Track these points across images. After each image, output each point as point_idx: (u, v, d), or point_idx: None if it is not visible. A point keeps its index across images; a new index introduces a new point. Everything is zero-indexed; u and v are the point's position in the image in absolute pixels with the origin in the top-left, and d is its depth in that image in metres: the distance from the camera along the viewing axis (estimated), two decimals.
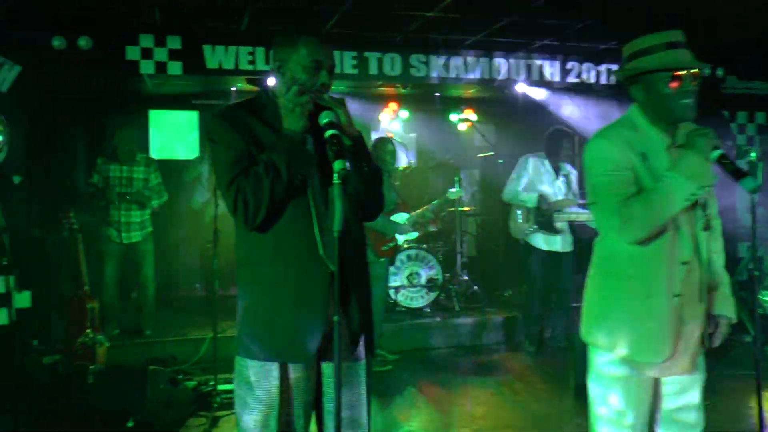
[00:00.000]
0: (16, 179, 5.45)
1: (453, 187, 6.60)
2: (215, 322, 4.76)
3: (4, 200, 3.45)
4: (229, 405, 4.51)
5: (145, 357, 5.36)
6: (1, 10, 5.39)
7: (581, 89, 7.22)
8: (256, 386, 2.22)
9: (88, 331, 4.96)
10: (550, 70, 7.02)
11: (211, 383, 4.70)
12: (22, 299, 5.67)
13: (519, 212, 6.07)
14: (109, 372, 4.25)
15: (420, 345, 6.34)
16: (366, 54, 6.51)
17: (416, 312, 6.87)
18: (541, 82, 7.07)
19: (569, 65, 7.06)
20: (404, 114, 8.29)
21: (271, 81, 6.19)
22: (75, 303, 5.23)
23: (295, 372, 2.21)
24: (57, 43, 5.67)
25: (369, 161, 2.33)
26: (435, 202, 6.34)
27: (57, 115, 6.36)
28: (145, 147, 7.81)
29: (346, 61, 6.43)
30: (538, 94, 7.31)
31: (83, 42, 5.69)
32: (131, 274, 6.31)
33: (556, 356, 5.83)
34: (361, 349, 2.35)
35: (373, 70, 6.56)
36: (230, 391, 4.58)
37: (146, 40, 6.05)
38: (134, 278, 6.33)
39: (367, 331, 2.34)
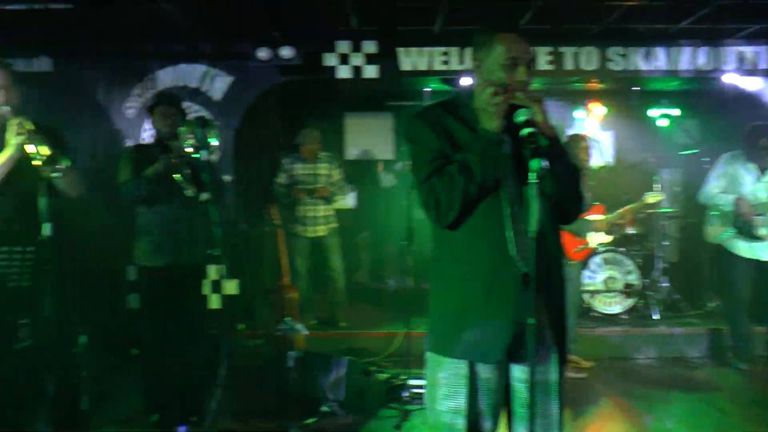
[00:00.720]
0: (226, 178, 5.96)
1: (652, 188, 6.20)
2: (408, 318, 4.86)
3: (217, 198, 3.79)
4: (419, 400, 4.58)
5: (339, 347, 5.64)
6: (212, 28, 5.94)
7: None
8: (445, 383, 2.22)
9: (288, 319, 5.29)
10: (767, 57, 6.35)
11: (403, 377, 4.80)
12: (231, 287, 6.17)
13: (715, 215, 5.57)
14: (307, 358, 4.48)
15: (616, 354, 6.00)
16: (561, 49, 6.31)
17: (612, 318, 6.53)
18: (754, 72, 6.42)
19: None
20: (600, 110, 7.92)
21: (465, 81, 6.30)
22: (277, 292, 5.62)
23: (484, 372, 2.19)
24: (263, 54, 6.13)
25: (568, 161, 2.24)
26: (631, 205, 5.99)
27: (262, 120, 6.85)
28: (340, 149, 8.18)
29: (540, 58, 6.27)
30: (751, 85, 6.64)
31: (285, 52, 6.10)
32: (321, 267, 6.63)
33: None
34: (554, 354, 2.26)
35: (568, 65, 6.35)
36: (421, 387, 4.70)
37: (343, 47, 6.35)
38: (324, 271, 6.63)
39: (560, 336, 2.25)
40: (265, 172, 6.82)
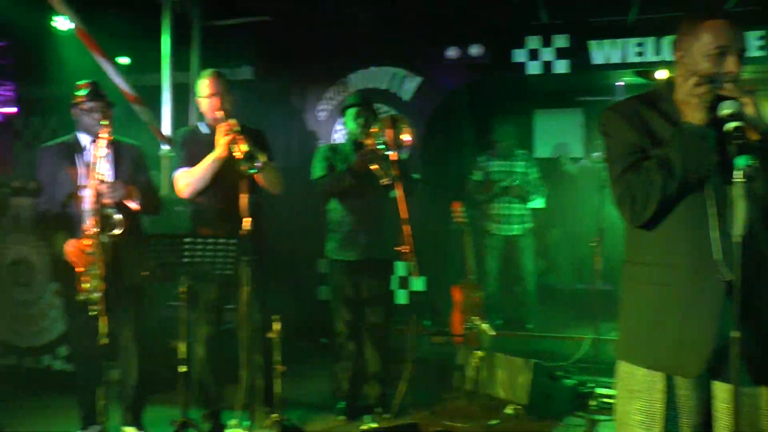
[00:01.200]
0: (415, 176, 6.07)
1: None
2: (596, 323, 4.65)
3: (407, 195, 3.89)
4: (608, 410, 4.36)
5: (525, 349, 5.52)
6: (401, 31, 6.09)
7: None
8: (638, 396, 2.07)
9: (473, 318, 5.27)
10: None
11: (590, 385, 4.60)
12: (418, 283, 6.31)
13: None
14: (492, 359, 4.44)
15: None
16: None
17: None
18: None
19: None
20: None
21: (661, 73, 5.91)
22: (462, 291, 5.63)
23: (683, 388, 2.00)
24: (451, 53, 6.17)
25: None
26: None
27: (450, 119, 6.90)
28: (529, 147, 8.03)
29: (750, 43, 5.70)
30: None
31: (474, 50, 6.10)
32: (511, 267, 6.53)
33: None
34: (764, 374, 2.02)
35: None
36: (610, 396, 4.48)
37: (533, 42, 6.22)
38: (514, 272, 6.52)
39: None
40: (452, 170, 6.87)
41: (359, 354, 4.27)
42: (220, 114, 3.66)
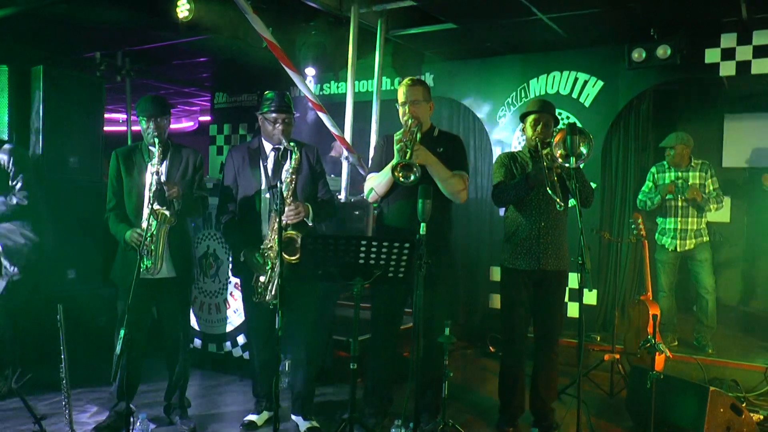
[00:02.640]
0: (593, 185, 5.87)
1: None
2: None
3: (584, 205, 3.78)
4: None
5: (705, 375, 5.14)
6: (585, 34, 5.90)
7: None
8: None
9: (649, 336, 5.00)
10: None
11: None
12: (590, 296, 6.11)
13: None
14: (668, 381, 4.17)
15: None
16: None
17: None
18: None
19: None
20: None
21: None
22: (638, 306, 5.36)
23: None
24: (636, 55, 5.90)
25: None
26: None
27: (632, 125, 6.58)
28: (719, 155, 7.47)
29: None
30: None
31: (661, 51, 5.78)
32: (688, 284, 6.10)
33: None
34: None
35: None
36: None
37: (728, 40, 5.79)
38: (692, 289, 6.10)
39: None
40: (632, 179, 6.56)
41: (528, 366, 4.20)
42: (411, 122, 3.78)
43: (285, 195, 3.65)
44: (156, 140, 3.81)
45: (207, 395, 4.77)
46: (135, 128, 7.65)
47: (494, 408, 4.37)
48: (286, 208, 3.65)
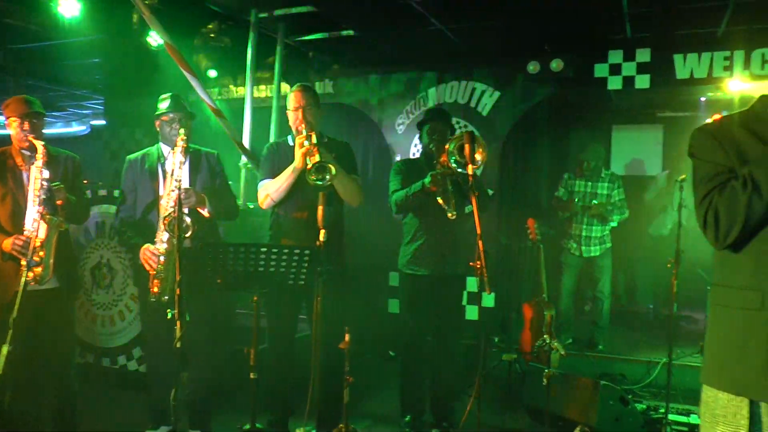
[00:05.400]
0: (490, 192, 6.06)
1: None
2: (670, 347, 4.52)
3: (481, 210, 3.87)
4: None
5: (596, 370, 5.42)
6: (482, 45, 6.09)
7: None
8: (722, 421, 2.03)
9: (544, 336, 5.20)
10: None
11: (662, 411, 4.48)
12: (488, 299, 6.28)
13: None
14: (562, 378, 4.37)
15: None
16: None
17: None
18: None
19: None
20: None
21: (737, 84, 5.69)
22: (534, 308, 5.56)
23: (767, 414, 1.96)
24: (531, 67, 6.14)
25: None
26: None
27: (528, 134, 6.85)
28: (606, 163, 7.87)
29: None
30: None
31: (555, 64, 6.05)
32: (587, 287, 6.40)
33: None
34: None
35: None
36: (683, 424, 4.34)
37: (615, 56, 6.13)
38: (589, 292, 6.39)
39: None
40: (528, 186, 6.81)
41: (427, 368, 4.28)
42: (302, 126, 3.76)
43: (178, 184, 3.54)
44: (38, 143, 3.60)
45: (101, 412, 4.57)
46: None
47: (396, 412, 4.42)
48: (180, 194, 3.54)
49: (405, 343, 4.31)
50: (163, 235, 3.66)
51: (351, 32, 5.89)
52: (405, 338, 4.28)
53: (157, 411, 4.04)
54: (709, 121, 2.18)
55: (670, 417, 4.38)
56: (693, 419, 4.37)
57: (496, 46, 6.22)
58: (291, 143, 3.93)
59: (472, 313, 6.14)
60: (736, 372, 2.01)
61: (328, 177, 3.54)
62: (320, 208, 3.38)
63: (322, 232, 3.33)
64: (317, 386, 3.40)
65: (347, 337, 3.39)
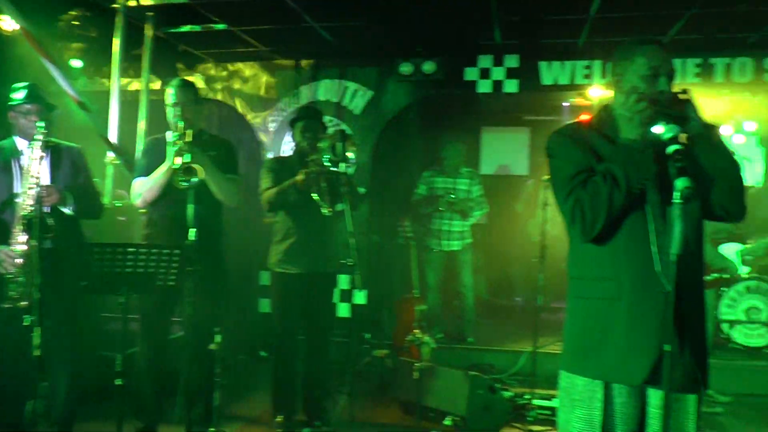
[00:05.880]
0: (361, 190, 6.13)
1: None
2: (536, 336, 4.78)
3: (353, 208, 3.92)
4: (544, 421, 4.49)
5: (466, 362, 5.63)
6: (355, 44, 6.16)
7: None
8: (579, 405, 2.18)
9: (415, 331, 5.34)
10: None
11: (527, 396, 4.73)
12: (360, 296, 6.35)
13: None
14: (433, 371, 4.51)
15: (756, 390, 5.51)
16: (712, 60, 5.97)
17: (754, 352, 6.04)
18: None
19: None
20: (751, 126, 7.35)
21: (596, 92, 6.12)
22: (405, 304, 5.70)
23: (620, 396, 2.13)
24: (404, 69, 6.27)
25: (724, 148, 2.16)
26: None
27: (400, 134, 6.98)
28: (476, 163, 8.17)
29: (688, 69, 5.98)
30: None
31: (427, 67, 6.21)
32: (451, 282, 6.61)
33: None
34: (693, 382, 2.16)
35: (719, 77, 5.99)
36: (546, 408, 4.60)
37: (485, 61, 6.37)
38: (454, 286, 6.59)
39: (702, 363, 2.16)
40: (400, 185, 6.94)
41: (299, 367, 4.27)
42: (179, 124, 3.64)
43: (37, 181, 3.34)
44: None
45: None
46: None
47: (267, 413, 4.38)
48: (39, 191, 3.34)
49: (276, 343, 4.27)
50: (20, 236, 3.42)
51: (223, 26, 5.75)
52: (276, 338, 4.25)
53: (13, 425, 3.76)
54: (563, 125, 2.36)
55: (535, 402, 4.63)
56: (555, 402, 4.63)
57: (369, 46, 6.29)
58: (169, 140, 3.81)
59: (343, 310, 6.21)
60: (595, 358, 2.16)
61: (193, 180, 3.45)
62: (190, 207, 3.30)
63: (192, 231, 3.25)
64: (187, 390, 3.32)
65: (217, 339, 3.34)
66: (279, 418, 4.22)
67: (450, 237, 6.33)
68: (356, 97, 6.66)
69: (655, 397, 2.14)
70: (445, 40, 6.15)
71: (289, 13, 5.34)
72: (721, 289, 5.86)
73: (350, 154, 3.83)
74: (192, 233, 3.24)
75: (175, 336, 4.20)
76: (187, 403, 3.32)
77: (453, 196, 6.25)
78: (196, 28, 5.89)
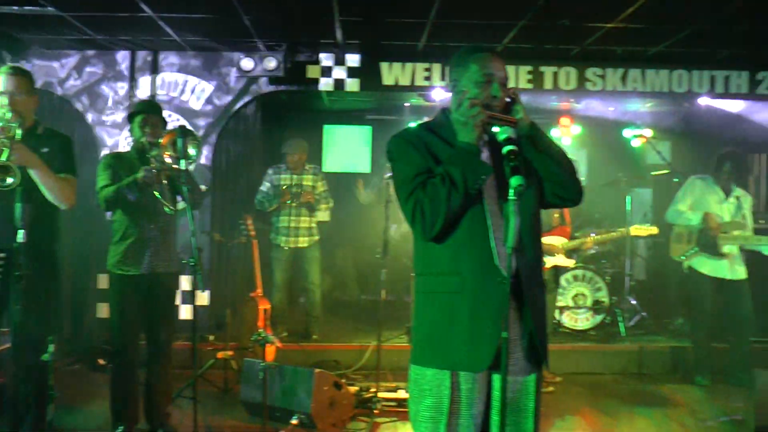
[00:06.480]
0: (203, 188, 5.96)
1: (624, 210, 6.43)
2: (380, 331, 4.90)
3: (194, 207, 3.79)
4: (389, 413, 4.62)
5: (311, 359, 5.66)
6: (197, 38, 5.96)
7: None
8: (428, 394, 2.27)
9: (260, 330, 5.28)
10: (737, 81, 6.54)
11: (372, 390, 4.84)
12: (203, 297, 6.18)
13: (680, 233, 5.77)
14: (278, 370, 4.49)
15: (583, 369, 6.09)
16: (542, 68, 6.45)
17: (580, 334, 6.64)
18: (727, 95, 6.62)
19: (760, 75, 6.54)
20: (576, 129, 8.04)
21: (437, 94, 6.40)
22: (249, 303, 5.61)
23: (466, 383, 2.24)
24: (246, 64, 6.19)
25: (552, 143, 2.35)
26: (611, 235, 6.28)
27: (242, 130, 6.86)
28: (318, 161, 8.21)
29: (521, 76, 6.40)
30: (725, 107, 6.91)
31: (269, 63, 6.18)
32: (298, 279, 6.62)
33: (731, 393, 5.34)
34: (533, 364, 2.32)
35: (548, 84, 6.48)
36: (391, 399, 4.74)
37: (327, 59, 6.41)
38: (301, 283, 6.61)
39: (541, 346, 2.31)
40: (242, 182, 6.83)
41: (140, 373, 4.08)
42: (9, 116, 3.32)
43: None
44: None
45: None
46: None
47: (107, 424, 4.13)
48: None
49: (115, 349, 4.06)
50: None
51: (52, 10, 5.31)
52: (115, 343, 4.03)
53: None
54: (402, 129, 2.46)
55: (380, 395, 4.75)
56: (399, 393, 4.80)
57: (210, 39, 6.12)
58: None
59: (186, 312, 6.01)
60: (442, 349, 2.26)
61: (9, 180, 3.16)
62: (18, 206, 3.04)
63: (20, 232, 3.00)
64: (13, 405, 3.06)
65: (50, 348, 3.11)
66: (120, 428, 4.00)
67: (297, 234, 6.33)
68: (196, 91, 6.45)
69: (498, 381, 2.26)
70: (286, 37, 6.12)
71: (125, 1, 5.06)
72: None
73: (192, 151, 3.72)
74: (20, 234, 2.99)
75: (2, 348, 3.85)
76: (16, 419, 3.06)
77: (297, 189, 6.25)
78: (22, 9, 5.38)
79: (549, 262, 5.62)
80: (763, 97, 6.61)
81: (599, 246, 7.04)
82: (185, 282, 5.60)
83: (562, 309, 6.61)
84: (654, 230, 6.42)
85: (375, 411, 4.61)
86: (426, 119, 2.51)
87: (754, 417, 4.41)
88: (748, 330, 5.61)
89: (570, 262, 5.94)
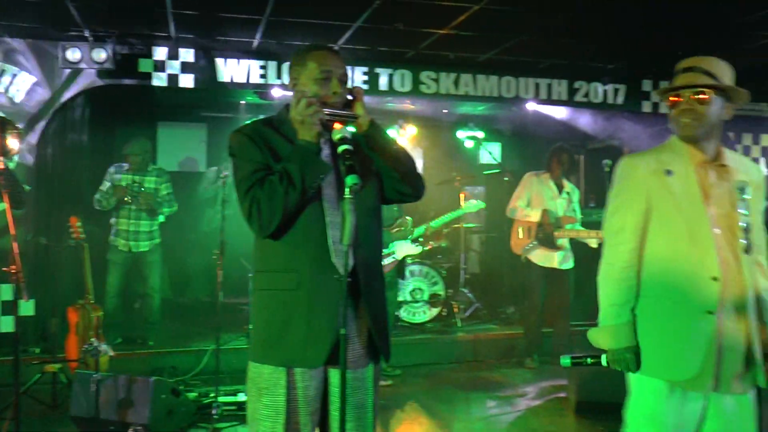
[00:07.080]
0: (27, 188, 5.52)
1: (459, 205, 6.72)
2: (218, 334, 4.79)
3: (15, 208, 3.51)
4: (229, 417, 4.54)
5: (148, 367, 5.42)
6: (18, 23, 5.50)
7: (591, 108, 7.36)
8: (266, 392, 2.26)
9: (91, 339, 4.99)
10: (558, 89, 7.09)
11: (212, 395, 4.72)
12: (27, 307, 5.71)
13: (520, 228, 6.14)
14: (112, 381, 4.24)
15: (421, 360, 6.34)
16: (377, 70, 6.62)
17: (418, 327, 6.90)
18: (549, 101, 7.16)
19: (577, 84, 7.14)
20: (412, 130, 8.29)
21: (276, 92, 6.37)
22: (78, 312, 5.28)
23: (302, 380, 2.25)
24: (71, 54, 5.77)
25: (391, 140, 2.40)
26: (449, 215, 6.47)
27: (69, 126, 6.42)
28: (153, 159, 7.86)
29: (356, 77, 6.52)
30: (549, 112, 7.47)
31: (97, 54, 5.80)
32: (136, 284, 6.32)
33: (557, 374, 5.79)
34: (370, 358, 2.36)
35: (383, 86, 6.66)
36: (231, 403, 4.66)
37: (160, 53, 6.16)
38: (140, 288, 6.33)
39: (381, 340, 2.35)
40: (70, 181, 6.39)
41: None
42: None
43: None
44: None
45: None
46: None
47: None
48: None
49: None
50: None
51: None
52: None
53: None
54: (243, 125, 2.42)
55: (220, 399, 4.65)
56: (240, 397, 4.72)
57: (33, 26, 5.66)
58: None
59: (7, 324, 5.53)
60: (279, 346, 2.26)
61: None
62: None
63: None
64: None
65: None
66: None
67: (138, 237, 6.06)
68: (15, 81, 5.92)
69: (335, 376, 2.29)
70: (116, 27, 5.80)
71: None
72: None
73: (12, 147, 3.45)
74: None
75: None
76: None
77: (138, 188, 5.97)
78: None
79: (399, 253, 5.79)
80: (579, 104, 7.23)
81: (442, 236, 7.34)
82: (6, 291, 5.16)
83: (400, 303, 6.82)
84: (482, 205, 6.81)
85: (215, 416, 4.51)
86: (262, 117, 2.49)
87: (575, 393, 4.87)
88: (569, 315, 6.12)
89: (417, 250, 6.14)
